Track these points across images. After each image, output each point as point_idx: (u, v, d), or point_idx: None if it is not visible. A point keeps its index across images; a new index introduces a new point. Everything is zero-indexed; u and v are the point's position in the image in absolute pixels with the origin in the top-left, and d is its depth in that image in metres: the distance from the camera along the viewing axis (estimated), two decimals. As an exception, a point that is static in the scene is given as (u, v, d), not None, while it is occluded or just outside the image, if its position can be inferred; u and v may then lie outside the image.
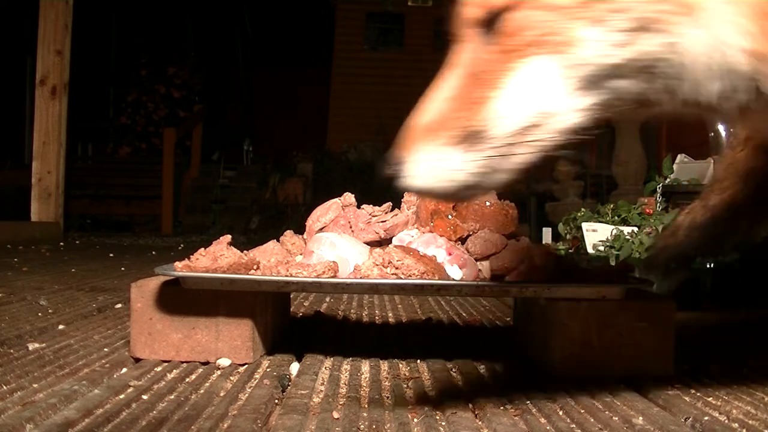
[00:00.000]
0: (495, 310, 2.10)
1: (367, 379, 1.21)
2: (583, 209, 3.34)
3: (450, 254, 1.25)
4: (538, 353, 1.29)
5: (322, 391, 1.11)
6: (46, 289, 2.39)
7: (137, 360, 1.28)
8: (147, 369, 1.22)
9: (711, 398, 1.11)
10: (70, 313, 1.89)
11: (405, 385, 1.16)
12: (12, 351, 1.37)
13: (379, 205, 1.48)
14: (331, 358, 1.34)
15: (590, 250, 2.94)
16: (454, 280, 1.21)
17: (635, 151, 5.07)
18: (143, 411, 0.97)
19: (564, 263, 1.31)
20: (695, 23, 0.80)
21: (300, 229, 1.48)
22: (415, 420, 0.97)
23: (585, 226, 3.02)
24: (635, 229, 2.81)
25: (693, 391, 1.15)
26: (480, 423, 0.96)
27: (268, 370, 1.24)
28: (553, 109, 0.84)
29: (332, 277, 1.19)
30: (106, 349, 1.40)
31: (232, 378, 1.18)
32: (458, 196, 1.00)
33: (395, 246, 1.25)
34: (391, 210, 1.46)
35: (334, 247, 1.26)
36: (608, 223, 3.01)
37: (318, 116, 12.64)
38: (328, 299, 2.24)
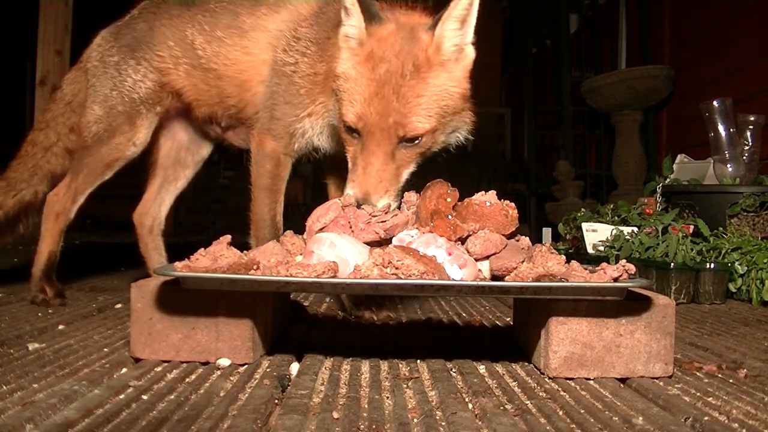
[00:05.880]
0: (495, 310, 2.10)
1: (367, 379, 1.21)
2: (583, 209, 3.35)
3: (450, 254, 1.25)
4: (538, 353, 1.29)
5: (322, 391, 1.11)
6: (46, 289, 2.38)
7: (137, 360, 1.28)
8: (147, 369, 1.22)
9: (711, 398, 1.11)
10: (70, 313, 1.89)
11: (405, 385, 1.16)
12: (12, 351, 1.37)
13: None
14: (331, 358, 1.34)
15: (590, 250, 2.95)
16: (454, 280, 1.21)
17: (635, 151, 5.07)
18: (143, 411, 0.97)
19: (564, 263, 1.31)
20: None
21: (300, 229, 1.48)
22: (415, 420, 0.97)
23: (585, 226, 3.03)
24: (635, 229, 2.81)
25: (693, 391, 1.15)
26: (480, 423, 0.96)
27: (268, 370, 1.24)
28: None
29: (332, 277, 1.19)
30: (106, 349, 1.40)
31: (232, 378, 1.18)
32: None
33: (395, 246, 1.25)
34: (391, 210, 1.46)
35: (334, 247, 1.26)
36: (608, 223, 3.01)
37: (318, 116, 12.61)
38: (328, 299, 2.24)
